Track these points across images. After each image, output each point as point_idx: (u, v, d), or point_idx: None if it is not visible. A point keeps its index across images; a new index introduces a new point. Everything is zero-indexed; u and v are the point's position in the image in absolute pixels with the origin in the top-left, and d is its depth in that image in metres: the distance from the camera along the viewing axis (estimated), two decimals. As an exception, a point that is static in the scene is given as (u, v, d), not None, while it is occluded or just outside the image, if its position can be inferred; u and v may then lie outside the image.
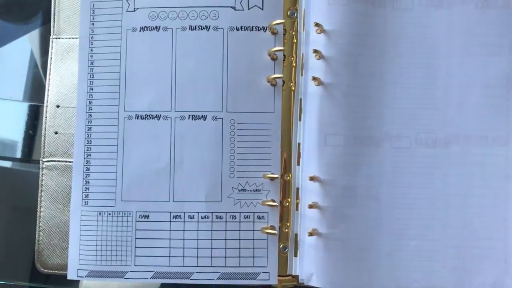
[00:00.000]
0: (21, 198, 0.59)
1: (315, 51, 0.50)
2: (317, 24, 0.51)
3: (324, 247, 0.50)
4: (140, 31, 0.52)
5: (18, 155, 0.60)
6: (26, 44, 0.64)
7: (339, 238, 0.50)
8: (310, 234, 0.50)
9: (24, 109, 0.60)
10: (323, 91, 0.50)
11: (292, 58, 0.52)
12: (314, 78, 0.50)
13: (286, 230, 0.51)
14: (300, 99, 0.52)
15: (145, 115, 0.52)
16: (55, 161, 0.55)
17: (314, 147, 0.50)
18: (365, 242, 0.50)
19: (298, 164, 0.52)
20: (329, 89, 0.50)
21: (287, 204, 0.51)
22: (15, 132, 0.60)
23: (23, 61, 0.62)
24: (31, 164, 0.60)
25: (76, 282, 0.55)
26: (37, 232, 0.55)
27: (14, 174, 0.61)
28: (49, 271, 0.55)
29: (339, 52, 0.51)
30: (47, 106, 0.56)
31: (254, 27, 0.52)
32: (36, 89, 0.61)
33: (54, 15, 0.57)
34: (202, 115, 0.51)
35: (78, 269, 0.51)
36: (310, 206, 0.50)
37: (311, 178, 0.50)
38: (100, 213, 0.51)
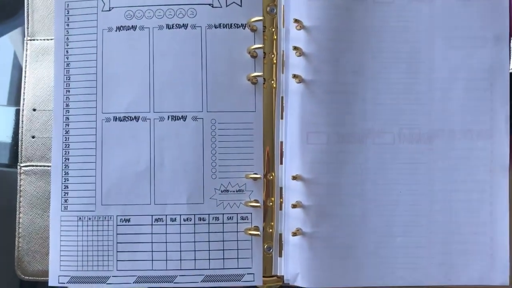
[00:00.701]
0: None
1: (295, 48, 0.50)
2: (296, 20, 0.50)
3: (309, 247, 0.49)
4: (116, 31, 0.51)
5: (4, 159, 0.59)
6: (7, 45, 0.62)
7: (323, 237, 0.49)
8: (294, 234, 0.49)
9: (10, 112, 0.59)
10: (304, 88, 0.50)
11: (273, 56, 0.51)
12: (294, 76, 0.49)
13: (271, 230, 0.50)
14: (282, 97, 0.51)
15: (123, 116, 0.51)
16: (33, 165, 0.54)
17: (297, 145, 0.50)
18: (350, 240, 0.50)
19: (281, 163, 0.51)
20: (310, 87, 0.49)
21: (271, 203, 0.50)
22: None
23: (5, 63, 0.61)
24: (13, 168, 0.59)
25: (58, 289, 0.54)
26: (16, 238, 0.53)
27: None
28: (30, 278, 0.53)
29: (320, 49, 0.50)
30: (23, 110, 0.54)
31: (232, 25, 0.51)
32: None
33: (28, 16, 0.55)
34: (182, 116, 0.50)
35: (59, 275, 0.50)
36: (294, 206, 0.49)
37: (294, 177, 0.49)
38: (80, 218, 0.50)
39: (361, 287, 0.50)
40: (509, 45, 0.50)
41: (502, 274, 0.49)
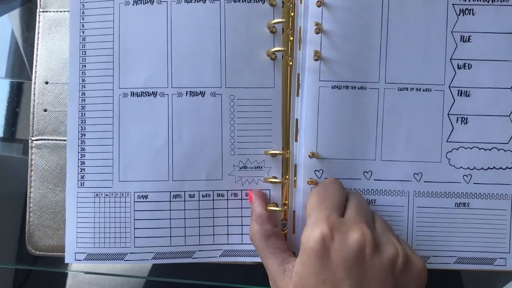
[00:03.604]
0: (5, 178, 0.57)
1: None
2: (316, -4, 0.49)
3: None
4: (133, 4, 0.50)
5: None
6: (5, 18, 0.61)
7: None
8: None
9: (6, 86, 0.58)
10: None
11: (290, 32, 0.51)
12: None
13: (286, 207, 0.51)
14: (298, 74, 0.51)
15: (141, 92, 0.50)
16: (44, 139, 0.53)
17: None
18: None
19: (296, 141, 0.51)
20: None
21: (286, 181, 0.51)
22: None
23: (4, 36, 0.60)
24: (14, 143, 0.58)
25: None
26: (27, 213, 0.53)
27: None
28: (41, 253, 0.53)
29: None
30: (35, 82, 0.53)
31: (252, -1, 0.50)
32: (16, 64, 0.59)
33: (40, -13, 0.54)
34: (200, 91, 0.50)
35: (76, 252, 0.50)
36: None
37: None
38: (97, 194, 0.50)
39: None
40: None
41: None
